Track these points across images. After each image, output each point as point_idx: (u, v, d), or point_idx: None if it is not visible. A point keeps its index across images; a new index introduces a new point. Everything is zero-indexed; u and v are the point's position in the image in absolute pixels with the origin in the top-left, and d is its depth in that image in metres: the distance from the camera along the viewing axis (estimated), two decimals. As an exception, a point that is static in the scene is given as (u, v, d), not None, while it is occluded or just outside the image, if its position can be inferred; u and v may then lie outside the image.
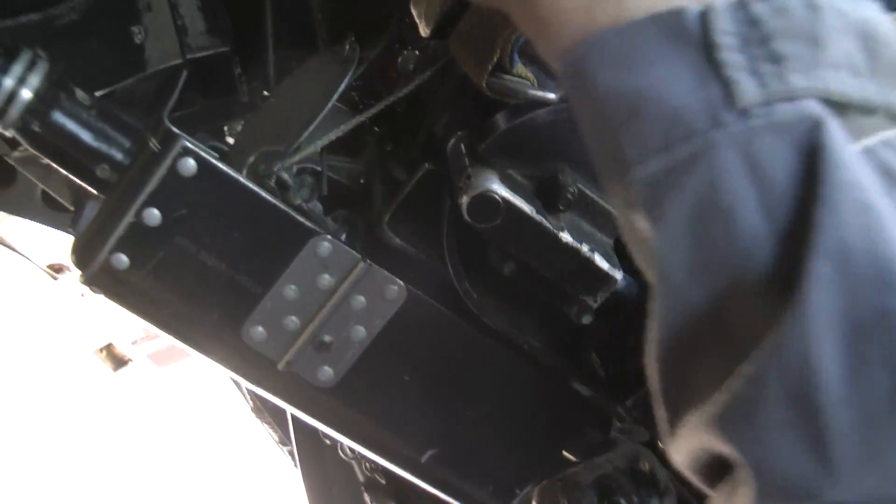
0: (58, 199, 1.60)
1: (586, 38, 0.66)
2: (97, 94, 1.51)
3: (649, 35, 0.63)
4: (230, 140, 1.66)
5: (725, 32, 0.62)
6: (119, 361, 2.99)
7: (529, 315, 1.25)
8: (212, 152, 1.09)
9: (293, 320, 1.14)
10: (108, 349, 3.21)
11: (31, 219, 1.82)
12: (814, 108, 0.60)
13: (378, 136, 1.36)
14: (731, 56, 0.61)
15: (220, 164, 1.08)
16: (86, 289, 1.15)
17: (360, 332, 1.16)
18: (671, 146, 0.61)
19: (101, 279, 1.12)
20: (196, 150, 1.07)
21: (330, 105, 1.19)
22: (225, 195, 1.10)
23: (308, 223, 1.12)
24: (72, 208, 1.48)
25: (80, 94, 1.22)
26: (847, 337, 0.55)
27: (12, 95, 1.16)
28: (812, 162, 0.58)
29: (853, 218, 0.57)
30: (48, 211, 1.78)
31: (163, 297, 1.14)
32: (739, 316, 0.59)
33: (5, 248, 2.28)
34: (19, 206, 1.79)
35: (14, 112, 1.17)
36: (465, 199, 1.09)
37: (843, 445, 0.54)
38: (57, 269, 2.62)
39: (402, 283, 1.15)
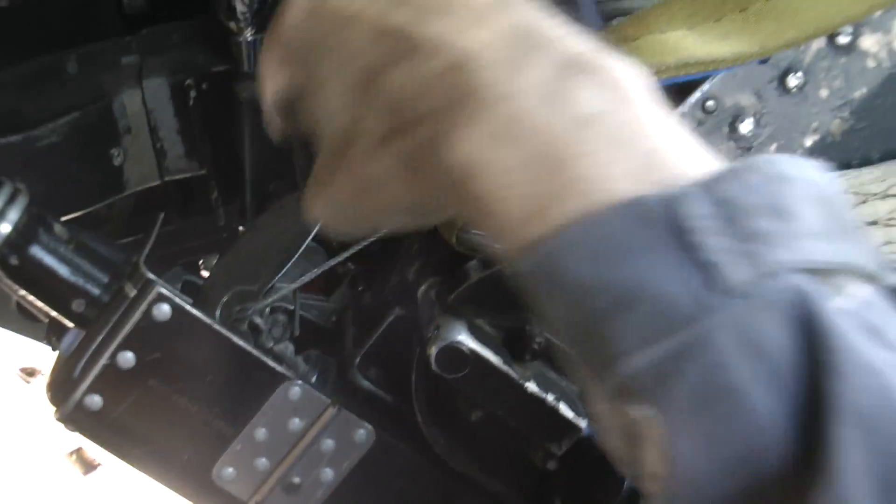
0: (32, 310, 1.61)
1: (552, 234, 0.64)
2: (76, 214, 1.54)
3: (620, 226, 0.62)
4: (205, 273, 1.68)
5: (696, 216, 0.60)
6: (89, 465, 2.98)
7: (495, 459, 1.26)
8: (186, 298, 1.11)
9: (263, 462, 1.16)
10: (79, 453, 3.21)
11: (4, 327, 1.83)
12: (798, 279, 0.59)
13: (352, 274, 1.38)
14: (707, 239, 0.60)
15: (193, 311, 1.10)
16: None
17: (329, 474, 1.17)
18: (664, 336, 0.60)
19: (75, 418, 1.13)
20: (171, 296, 1.09)
21: (305, 245, 1.21)
22: (198, 340, 1.12)
23: (279, 368, 1.13)
24: (46, 319, 1.49)
25: (58, 228, 1.24)
26: (882, 494, 0.54)
27: (-9, 229, 1.18)
28: (810, 334, 0.58)
29: (865, 381, 0.57)
30: (23, 320, 1.79)
31: (135, 436, 1.15)
32: (769, 482, 0.58)
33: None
34: (-7, 315, 1.80)
35: (-8, 246, 1.18)
36: (433, 350, 1.11)
37: None
38: (29, 373, 2.62)
39: (370, 426, 1.16)
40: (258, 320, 1.16)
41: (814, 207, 0.63)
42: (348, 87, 0.76)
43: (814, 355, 0.57)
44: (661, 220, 0.60)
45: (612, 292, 0.61)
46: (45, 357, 2.32)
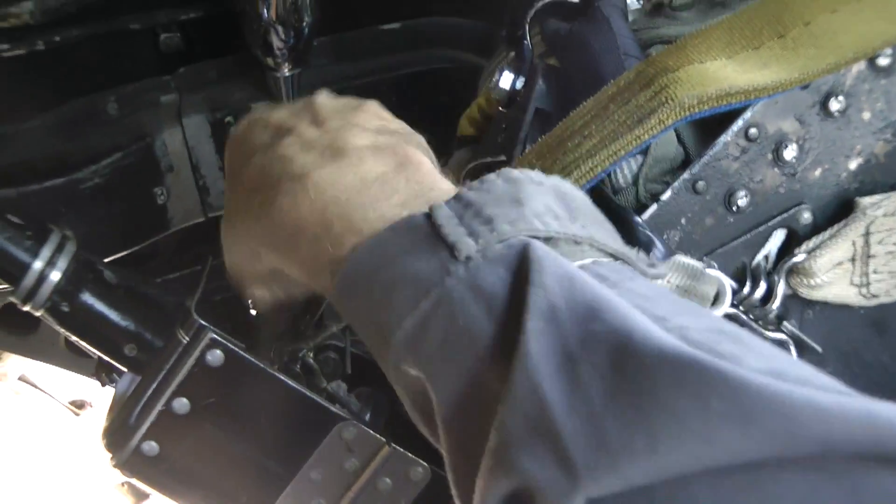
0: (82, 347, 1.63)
1: (348, 259, 0.81)
2: (121, 254, 1.55)
3: (393, 238, 0.79)
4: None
5: (446, 216, 0.77)
6: (140, 495, 2.98)
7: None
8: (238, 343, 1.12)
9: (320, 503, 1.16)
10: (129, 484, 3.22)
11: (54, 364, 1.85)
12: (523, 238, 0.74)
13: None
14: (452, 229, 0.76)
15: (245, 355, 1.11)
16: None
17: (387, 512, 1.18)
18: (416, 303, 0.74)
19: (132, 465, 1.14)
20: (223, 341, 1.10)
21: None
22: (252, 384, 1.12)
23: (333, 409, 1.14)
24: (95, 356, 1.50)
25: (107, 273, 1.25)
26: (563, 366, 0.64)
27: (42, 278, 1.19)
28: (520, 264, 0.72)
29: (557, 285, 0.69)
30: (71, 357, 1.81)
31: (192, 480, 1.16)
32: (489, 392, 0.70)
33: (29, 386, 2.30)
34: (42, 352, 1.82)
35: (43, 294, 1.20)
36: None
37: (577, 449, 0.61)
38: (79, 406, 2.64)
39: (425, 464, 1.16)
40: (310, 360, 1.17)
41: (549, 198, 0.79)
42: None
43: (521, 280, 0.70)
44: (422, 226, 0.77)
45: (385, 285, 0.77)
46: (93, 390, 2.34)
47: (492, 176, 0.81)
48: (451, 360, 0.73)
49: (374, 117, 0.99)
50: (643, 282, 0.76)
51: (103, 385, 1.54)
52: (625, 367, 0.62)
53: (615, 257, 0.79)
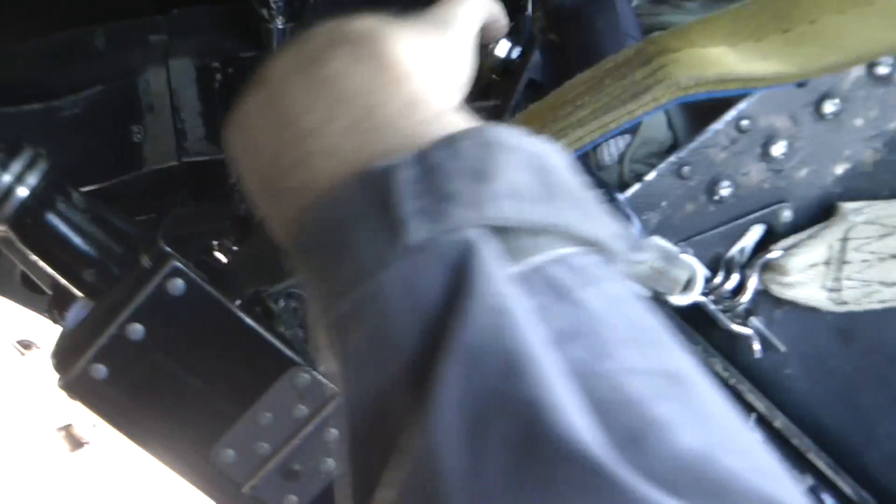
0: (37, 281, 1.60)
1: (304, 212, 0.71)
2: (91, 188, 1.54)
3: (346, 194, 0.69)
4: (218, 255, 1.67)
5: (402, 181, 0.66)
6: (76, 443, 2.97)
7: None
8: (202, 274, 1.10)
9: (264, 446, 1.15)
10: (68, 429, 3.19)
11: (7, 298, 1.82)
12: (471, 235, 0.65)
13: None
14: (404, 202, 0.66)
15: (207, 287, 1.09)
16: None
17: (329, 464, 1.17)
18: (351, 289, 0.66)
19: (78, 386, 1.13)
20: (186, 271, 1.09)
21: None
22: (210, 318, 1.11)
23: (288, 353, 1.13)
24: (50, 292, 1.48)
25: (76, 196, 1.24)
26: (471, 426, 0.58)
27: (9, 192, 1.17)
28: (459, 279, 0.63)
29: (485, 321, 0.61)
30: (26, 292, 1.78)
31: (137, 411, 1.14)
32: (397, 422, 0.63)
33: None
34: (-3, 285, 1.79)
35: (9, 208, 1.18)
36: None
37: None
38: (25, 346, 2.61)
39: (376, 420, 1.15)
40: (272, 303, 1.15)
41: (523, 172, 0.69)
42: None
43: (453, 297, 0.62)
44: (377, 187, 0.67)
45: (328, 254, 0.69)
46: (42, 331, 2.32)
47: (464, 134, 0.71)
48: (369, 370, 0.67)
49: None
50: (607, 285, 0.69)
51: (55, 323, 1.52)
52: (530, 453, 0.58)
53: (591, 242, 0.71)
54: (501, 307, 0.62)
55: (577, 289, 0.66)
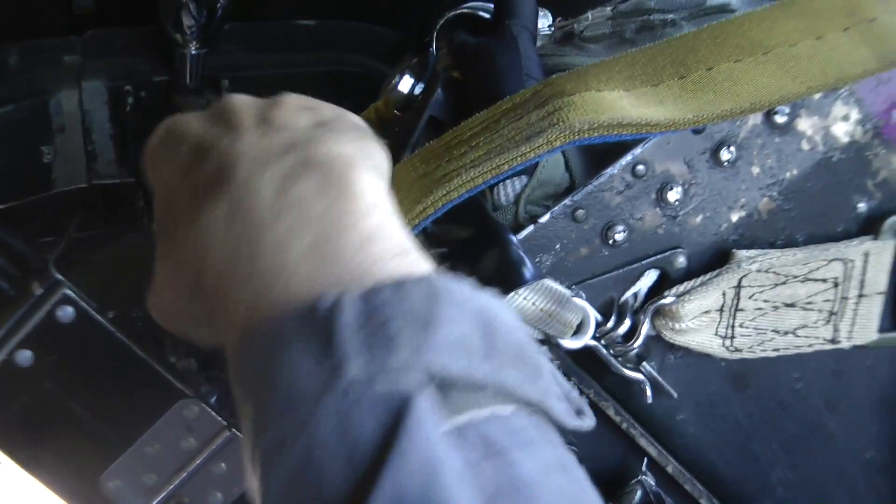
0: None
1: (248, 328, 0.70)
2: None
3: (292, 323, 0.68)
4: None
5: (347, 318, 0.66)
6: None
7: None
8: (92, 303, 1.09)
9: (152, 477, 1.14)
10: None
11: None
12: (409, 382, 0.64)
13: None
14: (347, 340, 0.65)
15: (97, 316, 1.08)
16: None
17: (218, 497, 1.16)
18: (282, 417, 0.64)
19: (-37, 411, 1.11)
20: (77, 298, 1.07)
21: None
22: (99, 346, 1.10)
23: (178, 384, 1.12)
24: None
25: (-28, 217, 1.22)
26: None
27: None
28: (392, 429, 0.62)
29: (414, 477, 0.60)
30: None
31: (24, 437, 1.13)
32: None
33: None
34: None
35: None
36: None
37: None
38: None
39: (265, 454, 1.14)
40: (162, 334, 1.14)
41: (468, 326, 0.68)
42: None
43: (384, 449, 0.61)
44: (323, 322, 0.66)
45: (265, 376, 0.67)
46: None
47: (414, 281, 0.69)
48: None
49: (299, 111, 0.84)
50: (542, 450, 0.68)
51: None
52: None
53: (532, 404, 0.70)
54: (431, 464, 0.61)
55: (511, 450, 0.65)
